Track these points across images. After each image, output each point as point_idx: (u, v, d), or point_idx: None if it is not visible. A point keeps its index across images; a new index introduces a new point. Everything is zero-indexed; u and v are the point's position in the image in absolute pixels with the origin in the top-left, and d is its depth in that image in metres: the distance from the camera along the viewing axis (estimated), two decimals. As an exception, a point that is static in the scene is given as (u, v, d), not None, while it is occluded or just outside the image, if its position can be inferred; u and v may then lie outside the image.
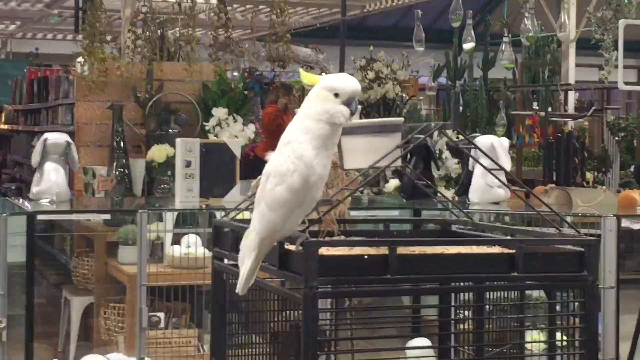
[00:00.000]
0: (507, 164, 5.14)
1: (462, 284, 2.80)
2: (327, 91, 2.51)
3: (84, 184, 6.71)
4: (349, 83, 2.50)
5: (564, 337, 2.86)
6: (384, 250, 2.58)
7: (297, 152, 2.49)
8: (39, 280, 6.31)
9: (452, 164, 7.28)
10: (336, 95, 2.49)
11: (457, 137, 6.06)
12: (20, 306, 5.01)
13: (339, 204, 2.91)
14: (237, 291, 2.65)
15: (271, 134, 8.52)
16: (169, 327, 5.74)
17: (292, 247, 2.59)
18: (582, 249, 2.69)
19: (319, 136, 2.49)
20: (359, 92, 2.52)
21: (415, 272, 2.59)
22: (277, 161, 2.52)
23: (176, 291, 4.98)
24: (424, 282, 2.71)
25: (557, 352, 2.90)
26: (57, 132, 5.68)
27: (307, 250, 2.48)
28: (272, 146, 2.63)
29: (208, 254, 5.56)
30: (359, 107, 2.51)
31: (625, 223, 4.68)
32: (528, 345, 3.57)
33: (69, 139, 5.49)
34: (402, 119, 3.04)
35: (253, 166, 7.59)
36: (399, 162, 2.91)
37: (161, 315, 5.47)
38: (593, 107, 10.33)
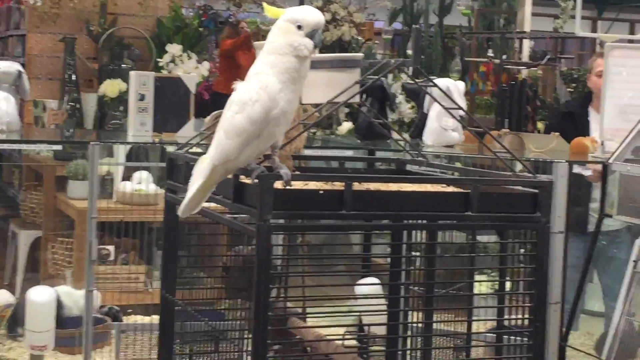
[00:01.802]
0: (463, 107, 5.14)
1: (415, 222, 2.80)
2: (290, 24, 2.47)
3: (34, 117, 6.63)
4: (312, 15, 2.47)
5: (514, 278, 2.89)
6: (339, 186, 2.57)
7: (262, 82, 2.46)
8: (-14, 212, 6.24)
9: (406, 109, 7.28)
10: (299, 27, 2.46)
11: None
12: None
13: (295, 139, 2.89)
14: (178, 213, 2.64)
15: (227, 67, 8.52)
16: (117, 262, 5.72)
17: (247, 180, 2.57)
18: (536, 191, 2.71)
19: (284, 70, 2.46)
20: (323, 24, 2.48)
21: (369, 209, 2.59)
22: (242, 90, 2.49)
23: (126, 227, 4.96)
24: (378, 219, 2.71)
25: (506, 292, 2.93)
26: (8, 61, 5.58)
27: (262, 184, 2.46)
28: (229, 80, 2.60)
29: (159, 190, 5.54)
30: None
31: (576, 169, 4.73)
32: (477, 287, 3.60)
33: (20, 67, 5.40)
34: (361, 54, 3.02)
35: (206, 106, 7.55)
36: (356, 99, 2.89)
37: (110, 248, 5.45)
38: (547, 56, 10.34)
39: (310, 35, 2.46)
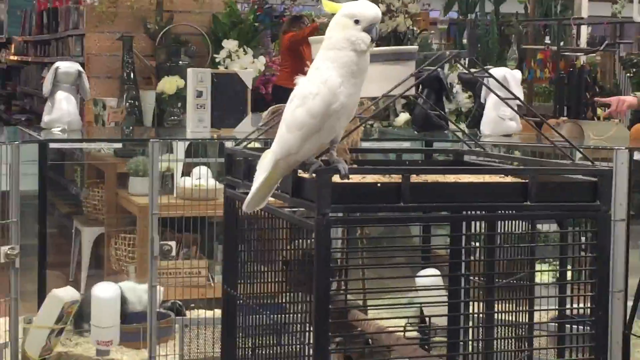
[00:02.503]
0: (519, 97, 5.12)
1: (474, 213, 2.80)
2: (347, 18, 2.49)
3: (94, 115, 6.71)
4: (369, 9, 2.48)
5: (576, 267, 2.87)
6: (396, 179, 2.57)
7: (322, 76, 2.48)
8: (50, 210, 6.34)
9: (463, 98, 7.25)
10: (356, 22, 2.48)
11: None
12: (32, 235, 5.05)
13: (352, 132, 2.91)
14: (243, 207, 2.67)
15: (291, 61, 8.50)
16: (179, 257, 5.78)
17: (305, 175, 2.59)
18: (595, 179, 2.69)
19: (343, 64, 2.47)
20: (380, 18, 2.49)
21: (427, 200, 2.59)
22: (303, 84, 2.52)
23: (186, 223, 5.00)
24: (436, 211, 2.71)
25: (567, 281, 2.91)
26: (69, 61, 5.66)
27: (320, 178, 2.48)
28: (293, 74, 2.62)
29: (218, 185, 5.58)
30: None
31: (637, 156, 4.67)
32: (538, 277, 3.59)
33: (80, 67, 5.47)
34: (416, 47, 3.02)
35: (264, 100, 7.60)
36: (412, 91, 2.89)
37: (172, 244, 5.51)
38: (605, 42, 10.23)
39: (368, 29, 2.47)
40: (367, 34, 2.47)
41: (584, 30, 10.50)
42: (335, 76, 2.47)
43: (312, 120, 2.48)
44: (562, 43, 9.95)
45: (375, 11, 2.48)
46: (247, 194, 2.93)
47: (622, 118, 5.30)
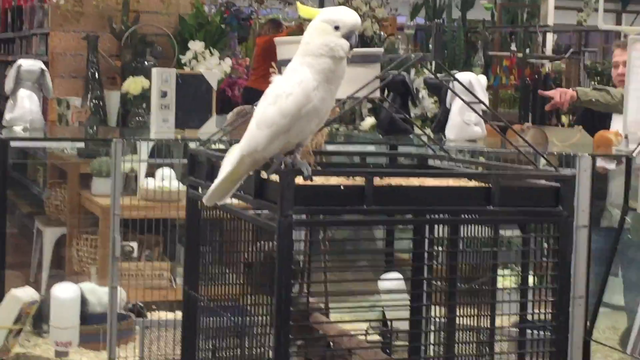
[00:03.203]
0: (485, 102, 5.13)
1: (437, 217, 2.79)
2: (327, 24, 2.48)
3: (58, 114, 6.65)
4: (349, 16, 2.48)
5: (537, 272, 2.88)
6: (360, 181, 2.57)
7: (298, 77, 2.46)
8: (11, 209, 6.27)
9: (429, 104, 7.26)
10: (336, 28, 2.47)
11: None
12: (-9, 235, 4.99)
13: (316, 134, 2.89)
14: (203, 200, 2.66)
15: (264, 64, 8.48)
16: (141, 259, 5.74)
17: (270, 177, 2.58)
18: (558, 185, 2.70)
19: (320, 71, 2.47)
20: (359, 25, 2.48)
21: (391, 204, 2.59)
22: (278, 83, 2.51)
23: (149, 224, 4.97)
24: (400, 214, 2.71)
25: (529, 286, 2.92)
26: (31, 59, 5.60)
27: (283, 179, 2.47)
28: (266, 77, 2.61)
29: (182, 187, 5.55)
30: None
31: (600, 163, 4.70)
32: (500, 281, 3.59)
33: (43, 65, 5.42)
34: (381, 49, 3.01)
35: (229, 102, 7.57)
36: (377, 94, 2.89)
37: (134, 245, 5.47)
38: (571, 50, 10.31)
39: (347, 36, 2.46)
40: (346, 41, 2.46)
41: (550, 38, 10.58)
42: (310, 79, 2.46)
43: (283, 120, 2.47)
44: (527, 50, 10.02)
45: (356, 18, 2.48)
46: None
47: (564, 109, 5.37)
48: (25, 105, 5.18)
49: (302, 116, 2.48)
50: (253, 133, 2.53)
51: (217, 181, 2.60)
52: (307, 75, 2.46)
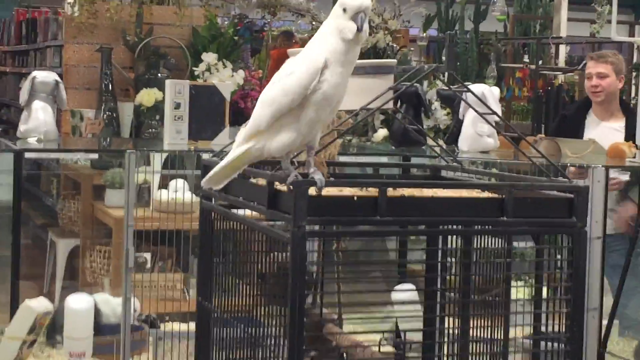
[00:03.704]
0: (498, 113, 5.13)
1: (451, 228, 2.80)
2: (338, 7, 2.49)
3: (72, 126, 6.67)
4: None
5: (551, 284, 2.87)
6: (373, 192, 2.57)
7: (304, 56, 2.47)
8: (25, 221, 6.30)
9: (442, 115, 7.25)
10: (344, 10, 2.47)
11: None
12: (6, 246, 5.01)
13: (329, 145, 2.90)
14: (202, 183, 2.66)
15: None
16: (154, 270, 5.75)
17: (282, 187, 2.58)
18: (572, 195, 2.69)
19: (331, 50, 2.45)
20: (367, 7, 2.45)
21: (404, 215, 2.59)
22: (288, 64, 2.51)
23: (162, 235, 4.98)
24: (413, 225, 2.71)
25: (543, 298, 2.91)
26: (46, 71, 5.63)
27: (296, 190, 2.47)
28: None
29: (195, 198, 5.56)
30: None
31: (613, 174, 4.70)
32: (514, 293, 3.58)
33: (57, 77, 5.44)
34: (395, 60, 3.02)
35: (242, 114, 7.58)
36: (390, 105, 2.89)
37: (147, 256, 5.48)
38: (584, 62, 10.29)
39: (354, 18, 2.45)
40: (353, 23, 2.45)
41: (563, 50, 10.56)
42: (317, 59, 2.44)
43: (284, 98, 2.45)
44: (540, 62, 10.01)
45: (362, 0, 2.46)
46: (223, 206, 2.92)
47: None
48: (40, 116, 5.20)
49: (311, 102, 2.45)
50: (257, 112, 2.52)
51: (220, 165, 2.60)
52: (314, 55, 2.46)
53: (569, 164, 4.45)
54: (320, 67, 2.43)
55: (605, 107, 5.78)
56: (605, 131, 5.67)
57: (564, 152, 4.93)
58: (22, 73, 10.50)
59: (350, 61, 2.47)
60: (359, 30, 2.44)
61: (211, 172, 2.62)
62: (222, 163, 2.59)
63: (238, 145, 2.56)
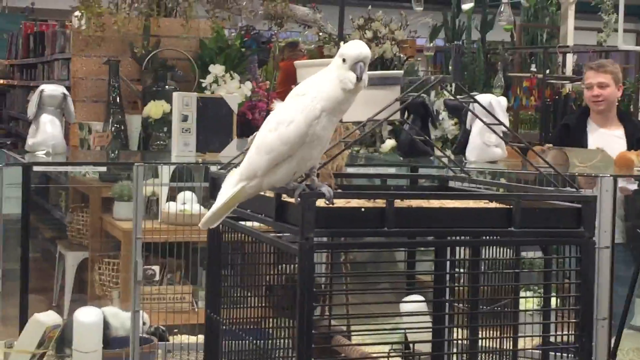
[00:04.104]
0: (505, 123, 5.13)
1: (459, 238, 2.79)
2: (338, 57, 2.51)
3: (80, 139, 6.69)
4: (353, 48, 2.49)
5: (560, 294, 2.87)
6: (381, 204, 2.57)
7: (301, 105, 2.48)
8: (34, 234, 6.31)
9: (449, 125, 7.26)
10: (344, 60, 2.49)
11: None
12: (14, 259, 5.01)
13: (337, 157, 2.90)
14: (199, 224, 2.67)
15: (284, 87, 8.50)
16: (163, 282, 5.76)
17: (289, 199, 2.58)
18: (579, 205, 2.69)
19: (330, 99, 2.48)
20: (364, 56, 2.48)
21: (412, 226, 2.59)
22: (281, 109, 2.52)
23: (171, 248, 4.98)
24: (421, 236, 2.71)
25: (552, 308, 2.91)
26: (54, 84, 5.64)
27: (304, 202, 2.47)
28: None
29: (203, 210, 5.56)
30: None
31: (621, 183, 4.68)
32: (522, 304, 3.58)
33: (65, 90, 5.45)
34: (401, 72, 3.02)
35: (250, 125, 7.59)
36: (397, 116, 2.89)
37: (156, 268, 5.48)
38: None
39: (353, 68, 2.47)
40: (352, 73, 2.47)
41: (570, 59, 10.56)
42: (315, 107, 2.47)
43: (282, 147, 2.48)
44: (547, 71, 10.00)
45: (359, 50, 2.48)
46: (231, 218, 2.93)
47: None
48: (48, 130, 5.21)
49: (305, 144, 2.49)
50: (252, 158, 2.54)
51: (215, 207, 2.61)
52: (311, 104, 2.48)
53: (577, 174, 4.44)
54: (318, 116, 2.47)
55: (604, 115, 5.82)
56: (606, 138, 5.71)
57: (571, 161, 4.92)
58: (30, 86, 10.54)
59: (344, 110, 2.53)
60: (359, 80, 2.46)
61: (208, 214, 2.65)
62: (218, 204, 2.60)
63: (232, 185, 2.58)
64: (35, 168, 5.18)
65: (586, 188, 4.35)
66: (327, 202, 2.48)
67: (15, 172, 4.78)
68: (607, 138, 5.71)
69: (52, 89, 5.38)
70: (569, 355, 2.72)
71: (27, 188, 4.92)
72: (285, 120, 2.48)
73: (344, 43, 2.58)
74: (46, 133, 5.23)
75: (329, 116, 2.49)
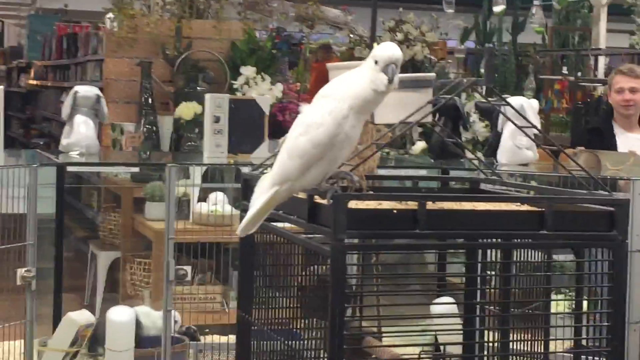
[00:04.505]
0: (537, 125, 5.11)
1: (490, 241, 2.80)
2: (370, 58, 2.53)
3: (112, 140, 6.74)
4: (385, 50, 2.51)
5: (592, 297, 2.86)
6: (413, 206, 2.58)
7: (329, 107, 2.50)
8: (67, 234, 6.36)
9: (480, 127, 7.25)
10: (376, 62, 2.50)
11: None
12: (48, 258, 5.06)
13: (368, 159, 2.91)
14: (237, 232, 2.69)
15: (316, 89, 8.52)
16: (194, 283, 5.78)
17: (322, 201, 2.60)
18: (612, 209, 2.68)
19: (358, 98, 2.50)
20: (396, 58, 2.50)
21: (443, 228, 2.59)
22: (309, 112, 2.54)
23: (202, 248, 5.01)
24: (452, 238, 2.71)
25: (583, 311, 2.90)
26: (88, 86, 5.68)
27: (336, 203, 2.49)
28: None
29: (234, 211, 5.59)
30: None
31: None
32: (554, 306, 3.57)
33: (99, 92, 5.49)
34: (434, 74, 3.03)
35: (281, 127, 7.62)
36: (429, 119, 2.90)
37: (187, 269, 5.51)
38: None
39: (385, 70, 2.49)
40: (384, 75, 2.49)
41: (602, 61, 10.50)
42: (343, 108, 2.49)
43: (314, 150, 2.50)
44: (579, 73, 9.96)
45: (392, 52, 2.50)
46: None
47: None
48: (82, 131, 5.26)
49: (334, 145, 2.50)
50: (285, 163, 2.55)
51: (250, 213, 2.63)
52: (339, 105, 2.49)
53: (609, 176, 4.42)
54: (346, 115, 2.49)
55: (630, 119, 5.80)
56: (632, 142, 5.69)
57: (603, 164, 4.90)
58: (64, 87, 10.62)
59: (371, 109, 2.56)
60: (390, 82, 2.48)
61: (244, 220, 2.66)
62: (253, 210, 2.62)
63: (265, 190, 2.59)
64: (69, 168, 5.23)
65: (619, 191, 4.33)
66: (350, 183, 2.51)
67: (49, 172, 4.83)
68: (633, 142, 5.69)
69: (86, 90, 5.43)
70: (601, 358, 2.71)
71: (61, 188, 4.97)
72: (315, 123, 2.50)
73: (376, 45, 2.60)
74: (80, 134, 5.27)
75: (357, 115, 2.51)
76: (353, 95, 2.50)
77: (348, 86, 2.52)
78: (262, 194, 2.60)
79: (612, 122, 5.88)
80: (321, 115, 2.50)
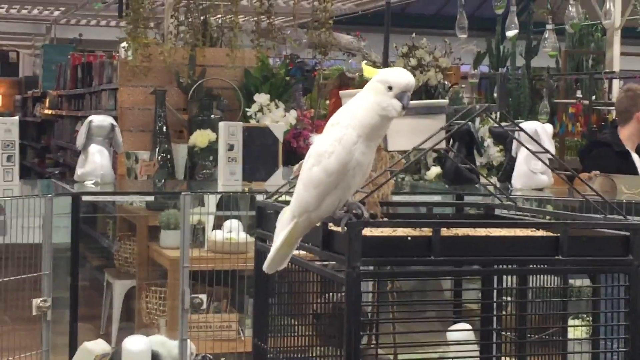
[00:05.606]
0: (551, 150, 5.12)
1: (505, 267, 2.79)
2: (381, 84, 2.51)
3: (127, 168, 6.76)
4: (402, 77, 2.50)
5: (608, 322, 2.84)
6: (427, 232, 2.57)
7: (338, 135, 2.50)
8: (82, 263, 6.36)
9: (494, 152, 7.24)
10: (390, 88, 2.50)
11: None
12: (64, 288, 5.07)
13: (382, 185, 2.91)
14: (264, 268, 2.68)
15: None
16: (210, 311, 5.77)
17: (336, 228, 2.59)
18: (628, 233, 2.67)
19: (366, 125, 2.50)
20: (412, 86, 2.51)
21: (458, 254, 2.58)
22: (319, 142, 2.54)
23: (217, 276, 5.01)
24: (467, 264, 2.71)
25: (600, 337, 2.88)
26: (102, 115, 5.71)
27: (351, 231, 2.48)
28: None
29: (249, 239, 5.59)
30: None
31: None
32: (571, 332, 3.55)
33: (113, 121, 5.52)
34: (446, 100, 3.03)
35: (295, 154, 7.63)
36: (442, 145, 2.90)
37: (203, 297, 5.50)
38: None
39: (399, 96, 2.49)
40: (398, 101, 2.49)
41: (616, 84, 10.49)
42: (352, 134, 2.49)
43: (328, 179, 2.50)
44: (593, 97, 9.95)
45: (409, 79, 2.50)
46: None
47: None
48: (96, 160, 5.28)
49: (347, 172, 2.51)
50: (302, 195, 2.56)
51: (274, 248, 2.62)
52: (348, 132, 2.49)
53: (624, 200, 4.41)
54: (355, 142, 2.49)
55: (634, 142, 5.80)
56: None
57: (619, 188, 4.89)
58: (78, 116, 10.67)
59: (380, 135, 2.55)
60: (404, 108, 2.49)
61: (269, 257, 2.65)
62: (277, 245, 2.62)
63: (286, 224, 2.60)
64: (85, 198, 5.25)
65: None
66: (342, 229, 2.50)
67: (64, 201, 4.84)
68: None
69: (100, 120, 5.45)
70: (619, 384, 2.70)
71: (76, 217, 4.98)
72: (325, 152, 2.50)
73: (382, 69, 2.60)
74: (95, 163, 5.30)
75: (367, 142, 2.51)
76: (359, 124, 2.50)
77: (355, 113, 2.52)
78: (282, 229, 2.60)
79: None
80: (331, 144, 2.50)
